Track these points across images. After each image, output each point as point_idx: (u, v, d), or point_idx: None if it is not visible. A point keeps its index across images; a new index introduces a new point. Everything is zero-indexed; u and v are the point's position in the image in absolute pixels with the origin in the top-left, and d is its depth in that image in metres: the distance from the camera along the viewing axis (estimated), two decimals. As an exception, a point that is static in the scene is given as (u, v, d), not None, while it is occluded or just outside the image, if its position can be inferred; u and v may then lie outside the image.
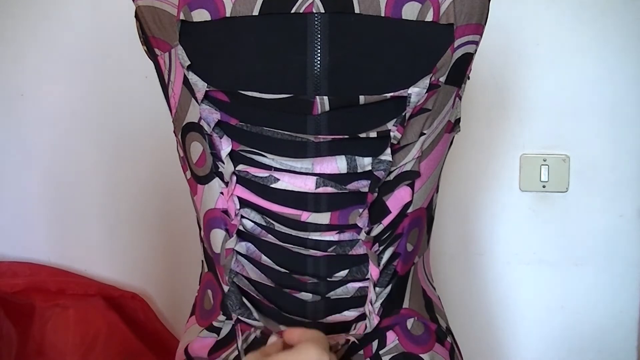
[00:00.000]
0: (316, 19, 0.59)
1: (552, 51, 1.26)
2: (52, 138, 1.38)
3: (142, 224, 1.39)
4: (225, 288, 0.63)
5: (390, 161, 0.59)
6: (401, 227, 0.63)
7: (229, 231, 0.63)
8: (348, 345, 0.62)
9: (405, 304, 0.66)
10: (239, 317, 0.62)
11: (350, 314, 0.63)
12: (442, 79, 0.61)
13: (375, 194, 0.60)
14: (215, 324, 0.66)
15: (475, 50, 0.64)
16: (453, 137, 0.69)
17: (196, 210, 0.68)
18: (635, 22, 1.24)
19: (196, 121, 0.63)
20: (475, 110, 1.29)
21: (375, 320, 0.62)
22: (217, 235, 0.64)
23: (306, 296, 0.62)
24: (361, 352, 0.64)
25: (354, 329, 0.63)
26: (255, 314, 0.62)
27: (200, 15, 0.60)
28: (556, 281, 1.32)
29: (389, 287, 0.63)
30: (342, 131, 0.59)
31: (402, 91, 0.59)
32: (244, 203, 0.62)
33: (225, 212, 0.63)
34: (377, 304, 0.62)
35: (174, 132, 0.67)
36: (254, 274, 0.63)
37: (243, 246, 0.63)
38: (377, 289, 0.62)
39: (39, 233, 1.40)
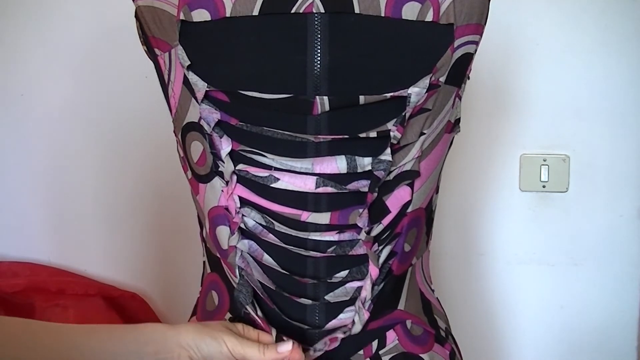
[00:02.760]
0: (316, 19, 0.59)
1: (552, 51, 1.26)
2: (52, 138, 1.38)
3: (142, 224, 1.39)
4: (236, 281, 0.63)
5: (390, 161, 0.59)
6: (400, 227, 0.63)
7: (231, 229, 0.63)
8: (335, 344, 0.62)
9: (401, 306, 0.66)
10: (250, 312, 0.62)
11: (345, 316, 0.63)
12: (442, 79, 0.61)
13: (375, 194, 0.60)
14: None
15: (475, 50, 0.64)
16: (453, 137, 0.69)
17: (199, 209, 0.68)
18: (635, 22, 1.24)
19: (196, 121, 0.63)
20: (475, 110, 1.29)
21: (365, 315, 0.62)
22: (223, 232, 0.64)
23: (306, 301, 0.62)
24: (361, 352, 0.64)
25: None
26: (259, 312, 0.62)
27: (200, 15, 0.60)
28: (556, 281, 1.32)
29: (382, 285, 0.63)
30: (342, 131, 0.59)
31: (402, 91, 0.59)
32: (244, 202, 0.62)
33: (227, 209, 0.63)
34: (368, 301, 0.62)
35: (174, 132, 0.67)
36: (257, 273, 0.63)
37: (245, 244, 0.63)
38: (374, 287, 0.62)
39: (39, 233, 1.40)
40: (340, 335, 0.62)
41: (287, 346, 0.60)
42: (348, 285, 0.63)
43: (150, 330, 0.58)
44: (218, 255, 0.67)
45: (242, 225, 0.62)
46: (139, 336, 0.58)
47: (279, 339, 0.61)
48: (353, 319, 0.62)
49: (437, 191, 0.69)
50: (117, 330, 0.58)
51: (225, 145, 0.61)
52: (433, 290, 0.74)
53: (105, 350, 0.56)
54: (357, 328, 0.62)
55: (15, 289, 1.24)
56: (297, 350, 0.60)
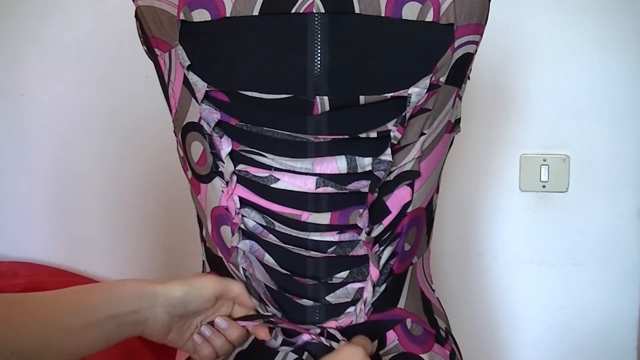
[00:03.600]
0: (316, 19, 0.59)
1: (552, 51, 1.26)
2: (52, 138, 1.38)
3: (142, 224, 1.39)
4: (243, 280, 0.63)
5: (390, 161, 0.59)
6: (400, 227, 0.63)
7: (231, 229, 0.63)
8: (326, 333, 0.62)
9: (401, 304, 0.66)
10: (259, 310, 0.63)
11: (345, 318, 0.63)
12: (443, 79, 0.61)
13: (376, 194, 0.60)
14: None
15: (476, 50, 0.64)
16: (453, 137, 0.69)
17: (200, 209, 0.68)
18: (635, 22, 1.24)
19: (196, 121, 0.63)
20: (475, 110, 1.29)
21: (363, 319, 0.62)
22: (227, 232, 0.64)
23: (307, 302, 0.62)
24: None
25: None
26: (272, 307, 0.63)
27: (200, 15, 0.60)
28: (556, 281, 1.32)
29: (384, 286, 0.63)
30: (342, 131, 0.59)
31: (402, 91, 0.59)
32: (244, 203, 0.62)
33: (227, 210, 0.63)
34: (369, 304, 0.62)
35: (174, 132, 0.67)
36: (259, 273, 0.63)
37: (247, 244, 0.63)
38: (375, 288, 0.62)
39: (39, 233, 1.40)
40: (334, 325, 0.62)
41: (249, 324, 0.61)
42: (349, 286, 0.63)
43: (125, 288, 0.56)
44: (220, 254, 0.67)
45: (242, 226, 0.62)
46: (113, 298, 0.54)
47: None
48: (354, 315, 0.62)
49: (437, 191, 0.69)
50: (89, 295, 0.54)
51: (225, 146, 0.61)
52: (434, 290, 0.74)
53: (79, 320, 0.52)
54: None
55: (15, 289, 1.24)
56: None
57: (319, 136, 0.59)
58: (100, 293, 0.55)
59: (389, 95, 0.59)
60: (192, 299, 0.59)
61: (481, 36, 0.64)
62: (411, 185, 0.63)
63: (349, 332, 0.63)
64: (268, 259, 0.63)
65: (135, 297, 0.56)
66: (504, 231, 1.32)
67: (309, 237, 0.61)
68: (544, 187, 1.29)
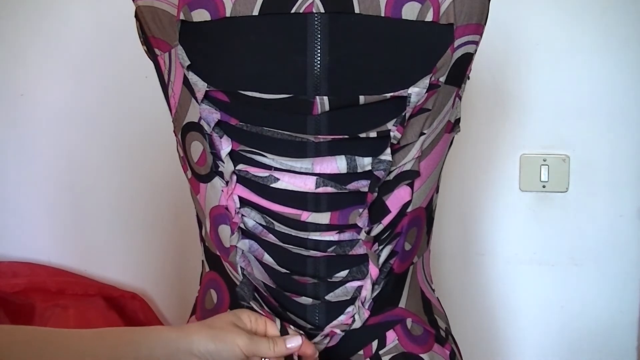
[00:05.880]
0: (316, 19, 0.59)
1: (552, 51, 1.26)
2: (52, 138, 1.38)
3: (142, 223, 1.39)
4: (239, 279, 0.63)
5: (390, 161, 0.59)
6: (400, 226, 0.63)
7: (231, 228, 0.63)
8: (332, 338, 0.62)
9: (402, 304, 0.66)
10: (254, 307, 0.62)
11: (346, 317, 0.63)
12: (442, 79, 0.61)
13: (375, 194, 0.60)
14: None
15: (475, 50, 0.64)
16: (453, 137, 0.69)
17: (200, 208, 0.68)
18: (636, 22, 1.24)
19: (196, 121, 0.63)
20: (475, 110, 1.29)
21: (365, 314, 0.62)
22: (225, 231, 0.64)
23: (306, 300, 0.62)
24: (361, 352, 0.64)
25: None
26: (265, 307, 0.62)
27: (200, 15, 0.60)
28: (556, 281, 1.32)
29: (382, 284, 0.63)
30: (342, 131, 0.59)
31: (402, 91, 0.59)
32: (244, 202, 0.62)
33: (227, 209, 0.63)
34: (369, 300, 0.62)
35: (174, 131, 0.67)
36: (258, 272, 0.63)
37: (246, 243, 0.63)
38: (375, 287, 0.62)
39: (39, 233, 1.40)
40: (338, 331, 0.62)
41: (296, 341, 0.59)
42: (348, 284, 0.63)
43: (158, 333, 0.57)
44: (218, 253, 0.67)
45: (242, 225, 0.62)
46: (148, 340, 0.56)
47: (283, 331, 0.61)
48: (353, 316, 0.62)
49: (437, 191, 0.69)
50: (125, 334, 0.56)
51: (225, 145, 0.61)
52: (434, 290, 0.74)
53: (115, 356, 0.54)
54: (356, 325, 0.62)
55: (15, 289, 1.24)
56: (308, 345, 0.59)
57: (319, 136, 0.59)
58: (136, 333, 0.56)
59: (388, 95, 0.59)
60: (222, 354, 0.57)
61: (481, 36, 0.64)
62: (411, 185, 0.63)
63: (351, 333, 0.63)
64: (267, 258, 0.63)
65: (169, 343, 0.56)
66: (504, 231, 1.32)
67: (309, 237, 0.61)
68: (544, 187, 1.29)
